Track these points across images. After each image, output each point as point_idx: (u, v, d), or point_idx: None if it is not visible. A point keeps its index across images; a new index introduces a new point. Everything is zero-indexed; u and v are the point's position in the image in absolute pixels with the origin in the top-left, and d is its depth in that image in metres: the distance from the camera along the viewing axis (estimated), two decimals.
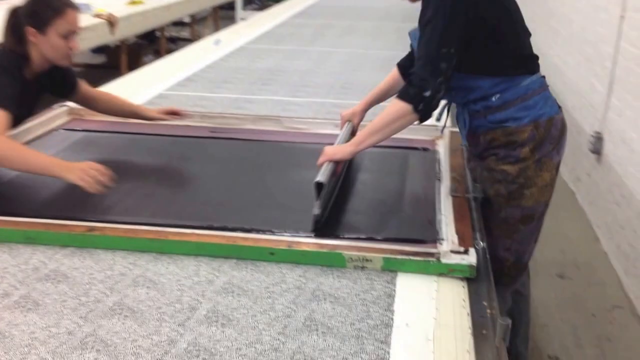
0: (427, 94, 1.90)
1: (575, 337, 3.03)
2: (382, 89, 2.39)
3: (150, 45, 8.92)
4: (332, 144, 2.15)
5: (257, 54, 4.42)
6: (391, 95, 2.27)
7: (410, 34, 2.18)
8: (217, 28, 10.83)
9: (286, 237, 1.73)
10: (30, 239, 1.74)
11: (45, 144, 2.54)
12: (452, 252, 1.63)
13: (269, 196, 2.10)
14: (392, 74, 2.37)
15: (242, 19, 12.09)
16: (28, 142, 2.51)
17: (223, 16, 11.37)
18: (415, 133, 2.70)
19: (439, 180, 2.18)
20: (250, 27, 5.74)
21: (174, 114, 2.57)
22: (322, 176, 1.83)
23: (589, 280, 3.48)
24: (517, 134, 2.03)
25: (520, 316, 2.41)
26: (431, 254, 1.63)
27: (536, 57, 2.10)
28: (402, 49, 4.91)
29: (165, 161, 2.45)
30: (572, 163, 4.49)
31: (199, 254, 1.69)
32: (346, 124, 2.35)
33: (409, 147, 2.58)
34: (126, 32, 6.71)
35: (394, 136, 2.46)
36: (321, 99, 3.27)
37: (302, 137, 2.68)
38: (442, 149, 2.52)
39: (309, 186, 1.89)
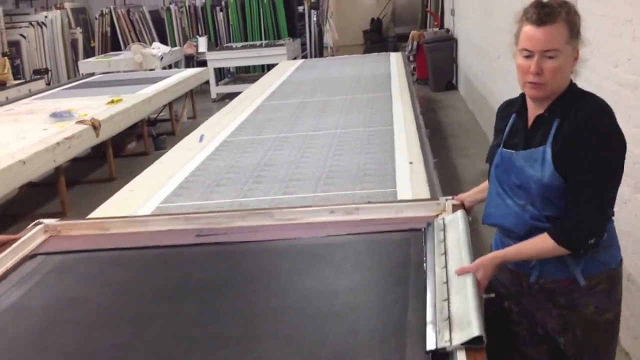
0: (592, 241, 1.85)
1: None
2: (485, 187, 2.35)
3: (131, 130, 9.09)
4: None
5: (242, 148, 4.64)
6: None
7: (517, 156, 2.05)
8: (193, 105, 11.12)
9: None
10: None
11: (22, 273, 2.41)
12: None
13: (276, 322, 1.99)
14: None
15: (218, 93, 12.47)
16: (4, 274, 2.40)
17: (197, 90, 11.64)
18: (410, 210, 2.61)
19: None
20: (229, 115, 5.98)
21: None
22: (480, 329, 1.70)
23: None
24: (617, 276, 1.98)
25: None
26: None
27: None
28: (374, 124, 5.15)
29: (153, 287, 2.29)
30: None
31: None
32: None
33: (407, 230, 2.45)
34: (110, 132, 6.93)
35: (391, 215, 2.62)
36: (311, 193, 3.49)
37: (297, 230, 2.60)
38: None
39: (316, 303, 1.96)
